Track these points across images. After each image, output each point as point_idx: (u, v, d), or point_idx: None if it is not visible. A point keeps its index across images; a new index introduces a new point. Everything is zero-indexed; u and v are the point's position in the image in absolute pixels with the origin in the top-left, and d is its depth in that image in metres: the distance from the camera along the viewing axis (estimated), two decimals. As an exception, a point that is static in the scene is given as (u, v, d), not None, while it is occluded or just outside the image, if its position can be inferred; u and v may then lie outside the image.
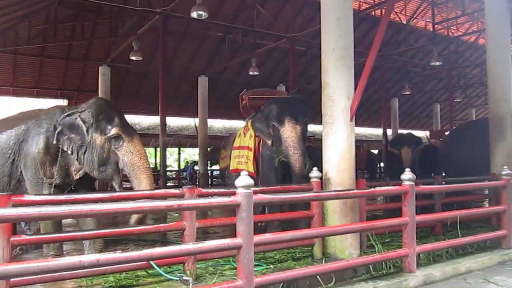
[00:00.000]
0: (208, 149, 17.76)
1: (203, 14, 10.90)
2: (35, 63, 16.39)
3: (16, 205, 3.67)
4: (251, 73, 16.18)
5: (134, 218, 5.11)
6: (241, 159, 7.80)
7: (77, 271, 3.80)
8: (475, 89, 24.45)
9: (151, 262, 4.24)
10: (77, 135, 5.30)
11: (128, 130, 5.42)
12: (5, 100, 17.47)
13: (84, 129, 5.31)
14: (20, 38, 14.63)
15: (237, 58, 17.13)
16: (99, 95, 15.54)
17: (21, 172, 5.55)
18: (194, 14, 10.91)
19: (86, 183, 5.73)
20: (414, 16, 17.72)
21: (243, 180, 3.62)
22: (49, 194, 5.27)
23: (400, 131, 21.38)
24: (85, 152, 5.32)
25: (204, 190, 5.02)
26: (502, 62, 8.11)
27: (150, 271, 4.60)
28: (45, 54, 16.00)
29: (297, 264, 5.25)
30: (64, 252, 5.79)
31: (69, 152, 5.34)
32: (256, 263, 5.02)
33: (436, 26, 16.81)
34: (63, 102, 17.51)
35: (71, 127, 5.32)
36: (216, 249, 3.68)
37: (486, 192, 8.99)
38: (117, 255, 3.15)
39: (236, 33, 15.93)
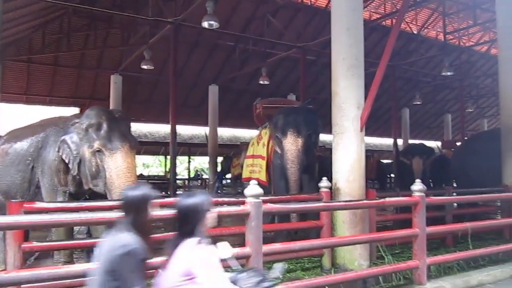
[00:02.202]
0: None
1: (214, 24, 10.98)
2: (48, 72, 16.64)
3: (27, 212, 3.71)
4: (261, 82, 16.23)
5: None
6: (255, 168, 7.82)
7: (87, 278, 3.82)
8: (487, 99, 24.25)
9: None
10: (72, 146, 5.16)
11: (114, 142, 4.98)
12: (19, 108, 17.73)
13: (78, 140, 5.15)
14: (34, 47, 14.88)
15: (248, 67, 17.21)
16: (111, 104, 15.73)
17: (38, 179, 5.58)
18: (205, 24, 10.99)
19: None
20: (425, 26, 17.70)
21: (253, 189, 3.63)
22: (62, 201, 5.28)
23: (410, 141, 21.25)
24: (79, 164, 5.16)
25: (214, 199, 5.02)
26: (514, 73, 8.05)
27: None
28: (58, 63, 16.26)
29: (306, 274, 5.24)
30: (75, 260, 5.82)
31: (67, 162, 5.21)
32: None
33: (447, 36, 16.76)
34: (76, 110, 17.71)
35: (68, 138, 5.22)
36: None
37: (499, 203, 8.86)
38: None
39: (247, 42, 16.03)
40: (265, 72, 16.13)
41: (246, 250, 3.56)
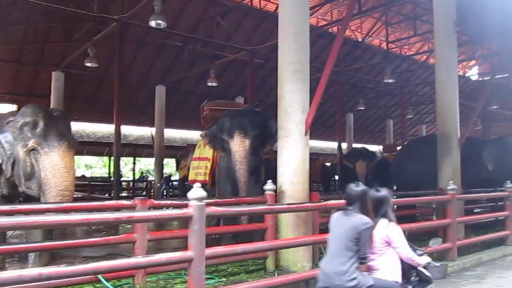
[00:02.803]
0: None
1: (162, 23, 10.80)
2: (-17, 66, 15.66)
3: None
4: (209, 84, 16.15)
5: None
6: (200, 170, 7.76)
7: (18, 286, 3.61)
8: (426, 106, 25.49)
9: (99, 276, 4.10)
10: (6, 146, 4.95)
11: (50, 141, 4.83)
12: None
13: (12, 140, 4.94)
14: (-33, 39, 13.97)
15: (196, 69, 17.06)
16: (52, 101, 15.04)
17: None
18: (152, 23, 10.79)
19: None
20: (369, 34, 18.32)
21: (196, 192, 3.59)
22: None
23: (354, 145, 21.95)
24: (13, 165, 4.94)
25: (156, 202, 4.94)
26: (449, 82, 8.48)
27: (98, 286, 4.45)
28: (-6, 57, 15.33)
29: (249, 277, 5.25)
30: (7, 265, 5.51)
31: (0, 163, 4.99)
32: (208, 276, 4.98)
33: (389, 44, 17.47)
34: (13, 107, 16.77)
35: (2, 138, 4.99)
36: (167, 262, 3.61)
37: (434, 205, 9.32)
38: (62, 268, 3.03)
39: (196, 43, 15.89)
40: (213, 74, 16.07)
41: (188, 253, 3.51)
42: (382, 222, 3.28)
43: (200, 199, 3.57)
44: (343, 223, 3.12)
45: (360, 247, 3.02)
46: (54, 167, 4.74)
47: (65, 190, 4.76)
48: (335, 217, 3.27)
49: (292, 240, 5.14)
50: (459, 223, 7.13)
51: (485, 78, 21.61)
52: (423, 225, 7.07)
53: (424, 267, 3.34)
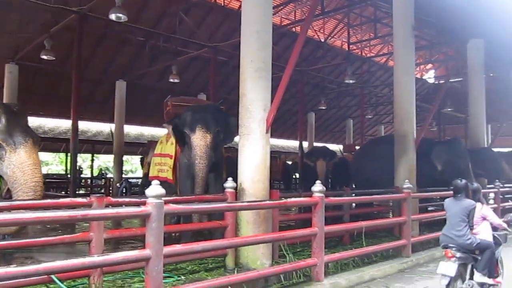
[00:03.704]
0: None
1: (123, 17, 10.52)
2: None
3: None
4: (171, 80, 15.90)
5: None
6: (163, 167, 7.65)
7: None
8: (384, 107, 26.16)
9: (52, 276, 3.96)
10: None
11: (16, 137, 4.67)
12: None
13: None
14: None
15: (158, 64, 16.77)
16: (5, 95, 14.41)
17: None
18: (112, 16, 10.49)
19: None
20: (332, 35, 18.61)
21: (154, 189, 3.53)
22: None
23: (315, 144, 22.26)
24: None
25: (113, 199, 4.83)
26: (406, 84, 8.75)
27: (51, 286, 4.31)
28: None
29: (209, 275, 5.24)
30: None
31: None
32: (167, 275, 4.92)
33: (351, 46, 17.79)
34: (-40, 101, 15.97)
35: None
36: (123, 261, 3.53)
37: (391, 203, 9.58)
38: (12, 269, 2.91)
39: (158, 38, 15.60)
40: (175, 70, 15.83)
41: (145, 252, 3.44)
42: (479, 205, 4.73)
43: (158, 196, 3.51)
44: (457, 205, 4.66)
45: (469, 220, 4.54)
46: (23, 164, 4.57)
47: (36, 187, 4.59)
48: (448, 201, 4.81)
49: (252, 237, 5.16)
50: (413, 221, 7.37)
51: (440, 82, 22.47)
52: (380, 223, 7.27)
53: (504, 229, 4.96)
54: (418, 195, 8.18)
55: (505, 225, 4.93)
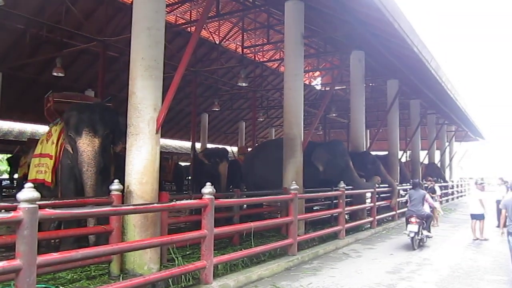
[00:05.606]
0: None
1: (-1, 1, 9.52)
2: None
3: None
4: (55, 74, 14.73)
5: None
6: (41, 168, 6.90)
7: None
8: (276, 110, 27.12)
9: None
10: None
11: None
12: None
13: None
14: None
15: (40, 56, 15.42)
16: None
17: None
18: (-14, -1, 9.44)
19: None
20: (226, 38, 18.78)
21: (27, 193, 3.20)
22: None
23: (209, 145, 22.28)
24: None
25: (-20, 204, 4.29)
26: (295, 89, 9.14)
27: None
28: None
29: (91, 284, 4.94)
30: None
31: None
32: (43, 285, 4.53)
33: (245, 50, 18.11)
34: None
35: None
36: (-13, 273, 3.14)
37: (279, 204, 9.91)
38: None
39: (40, 28, 14.36)
40: (60, 63, 14.69)
41: (15, 262, 3.10)
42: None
43: (31, 200, 3.19)
44: (416, 193, 9.07)
45: (423, 202, 8.96)
46: None
47: None
48: (411, 191, 9.29)
49: (138, 242, 4.93)
50: (299, 220, 7.70)
51: (326, 89, 23.94)
52: (268, 223, 7.46)
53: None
54: (304, 196, 8.59)
55: (434, 205, 10.38)
